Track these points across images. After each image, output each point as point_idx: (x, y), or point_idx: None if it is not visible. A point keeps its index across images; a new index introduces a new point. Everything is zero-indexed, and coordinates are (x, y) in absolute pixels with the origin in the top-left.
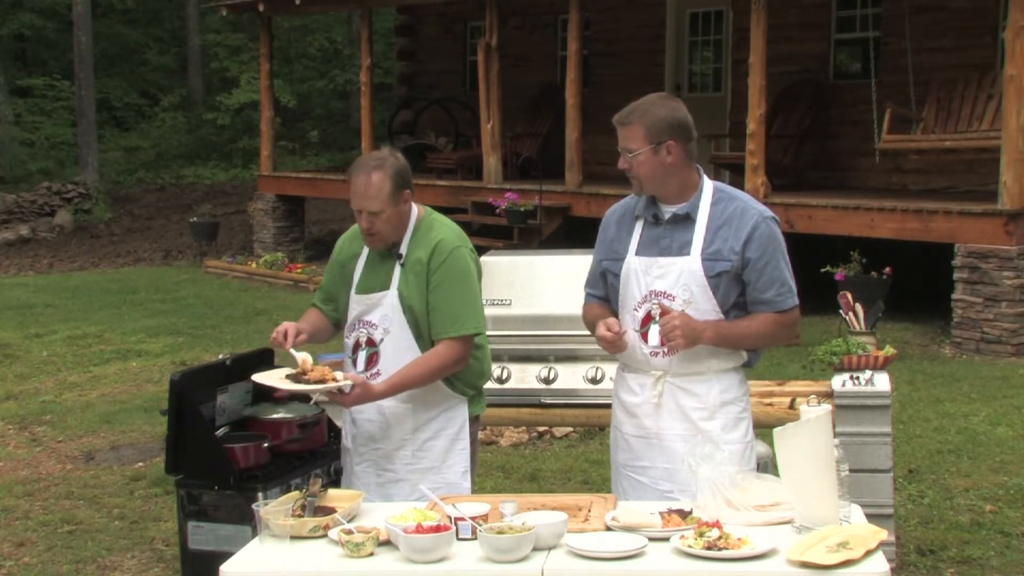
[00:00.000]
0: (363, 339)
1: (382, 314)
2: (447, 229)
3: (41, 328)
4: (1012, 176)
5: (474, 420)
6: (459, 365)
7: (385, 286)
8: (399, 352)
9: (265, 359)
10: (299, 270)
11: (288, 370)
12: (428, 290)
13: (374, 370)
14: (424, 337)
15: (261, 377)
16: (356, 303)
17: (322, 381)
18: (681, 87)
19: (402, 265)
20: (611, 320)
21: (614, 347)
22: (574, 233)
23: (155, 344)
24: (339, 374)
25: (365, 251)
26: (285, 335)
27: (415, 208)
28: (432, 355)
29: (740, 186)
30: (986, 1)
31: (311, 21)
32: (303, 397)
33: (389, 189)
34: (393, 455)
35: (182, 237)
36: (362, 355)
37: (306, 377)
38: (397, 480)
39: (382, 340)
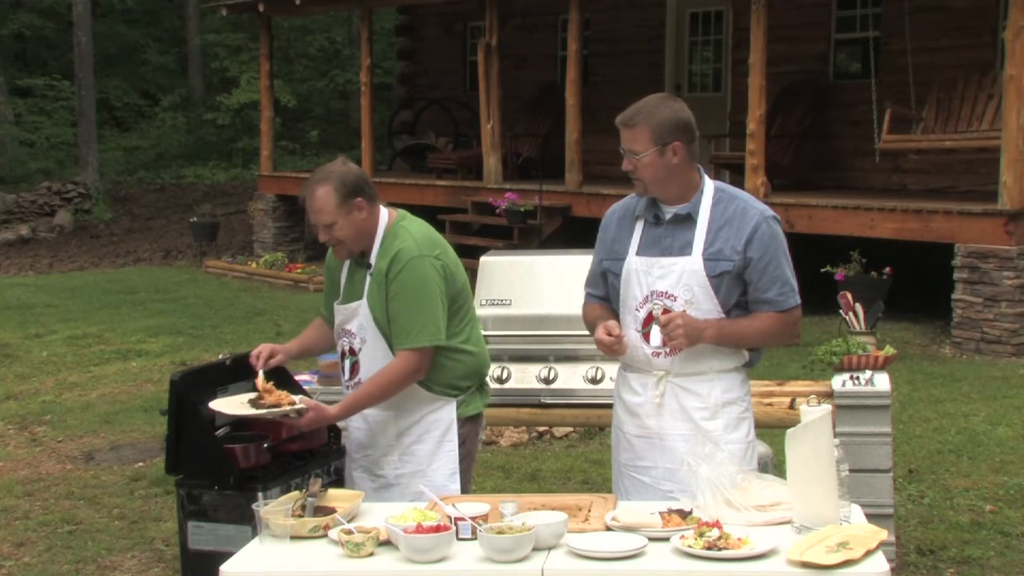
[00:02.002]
0: (346, 348)
1: (358, 324)
2: (409, 237)
3: (41, 328)
4: (1012, 176)
5: (467, 420)
6: (416, 376)
7: (359, 296)
8: (375, 361)
9: None
10: (299, 270)
11: (251, 395)
12: (387, 301)
13: (356, 379)
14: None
15: (219, 404)
16: (337, 312)
17: (277, 405)
18: (681, 87)
19: (371, 275)
20: (611, 323)
21: (612, 351)
22: (574, 233)
23: (155, 344)
24: (297, 397)
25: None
26: (259, 356)
27: (385, 214)
28: (384, 371)
29: (740, 186)
30: (986, 1)
31: (311, 21)
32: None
33: (335, 201)
34: (382, 461)
35: (182, 237)
36: (347, 364)
37: (263, 401)
38: (388, 485)
39: (360, 349)
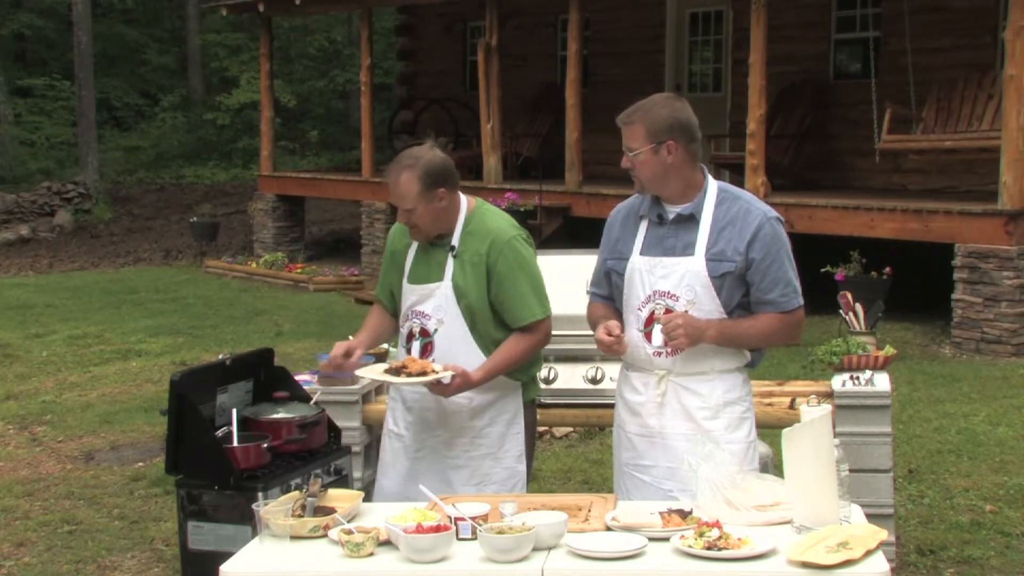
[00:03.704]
0: (416, 329)
1: (435, 304)
2: (500, 219)
3: (41, 328)
4: (1012, 176)
5: (529, 405)
6: (545, 342)
7: (439, 277)
8: (453, 343)
9: (265, 359)
10: (299, 270)
11: (386, 365)
12: (491, 283)
13: (430, 358)
14: (478, 328)
15: (364, 371)
16: (409, 292)
17: (423, 373)
18: (681, 87)
19: (455, 256)
20: (611, 323)
21: (612, 351)
22: (574, 233)
23: (155, 344)
24: (437, 365)
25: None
26: (338, 358)
27: (464, 200)
28: (519, 338)
29: (740, 186)
30: (986, 1)
31: (311, 21)
32: (303, 397)
33: (417, 189)
34: (453, 442)
35: (182, 237)
36: (416, 345)
37: (407, 370)
38: (458, 467)
39: (436, 330)
